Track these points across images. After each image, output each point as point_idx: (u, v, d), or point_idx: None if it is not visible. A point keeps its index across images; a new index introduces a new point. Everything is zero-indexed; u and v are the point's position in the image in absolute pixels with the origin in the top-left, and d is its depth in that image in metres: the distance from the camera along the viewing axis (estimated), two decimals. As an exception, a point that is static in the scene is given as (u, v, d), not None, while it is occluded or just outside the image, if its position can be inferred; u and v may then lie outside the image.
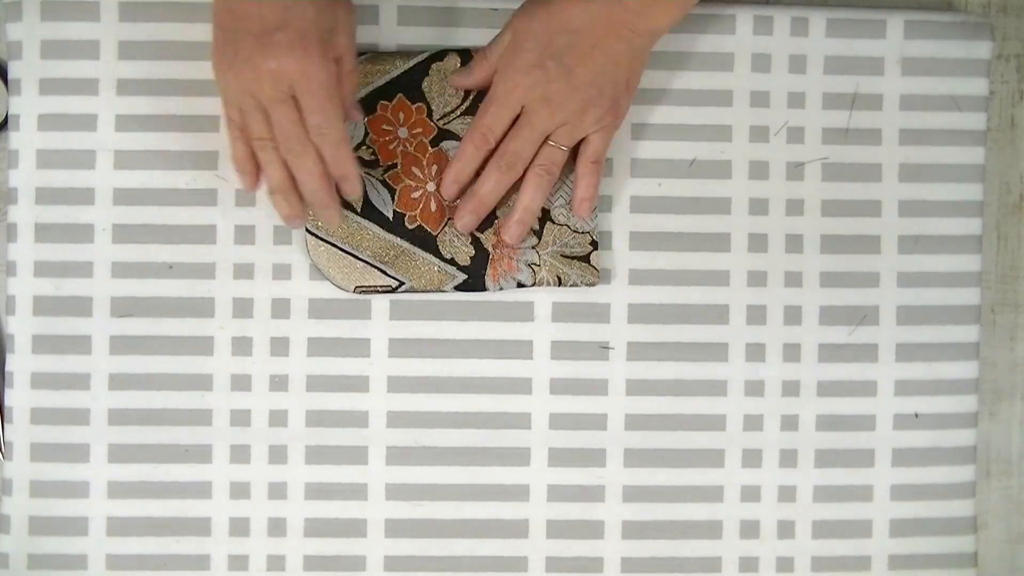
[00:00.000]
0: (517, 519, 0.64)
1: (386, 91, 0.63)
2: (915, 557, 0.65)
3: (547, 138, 0.60)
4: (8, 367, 0.63)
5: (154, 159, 0.63)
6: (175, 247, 0.63)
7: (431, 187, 0.63)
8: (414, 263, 0.63)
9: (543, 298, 0.64)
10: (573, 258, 0.63)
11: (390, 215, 0.63)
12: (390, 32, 0.64)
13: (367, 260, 0.63)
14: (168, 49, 0.63)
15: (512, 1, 0.63)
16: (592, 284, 0.63)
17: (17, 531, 0.63)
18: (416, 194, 0.63)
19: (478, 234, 0.63)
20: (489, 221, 0.63)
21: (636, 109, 0.64)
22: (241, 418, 0.64)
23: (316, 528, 0.64)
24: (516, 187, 0.62)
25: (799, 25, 0.65)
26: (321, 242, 0.63)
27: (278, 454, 0.64)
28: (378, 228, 0.63)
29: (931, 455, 0.65)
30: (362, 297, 0.64)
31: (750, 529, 0.65)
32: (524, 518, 0.64)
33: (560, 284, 0.63)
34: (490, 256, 0.63)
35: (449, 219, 0.63)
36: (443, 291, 0.63)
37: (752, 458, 0.65)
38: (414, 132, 0.63)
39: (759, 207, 0.65)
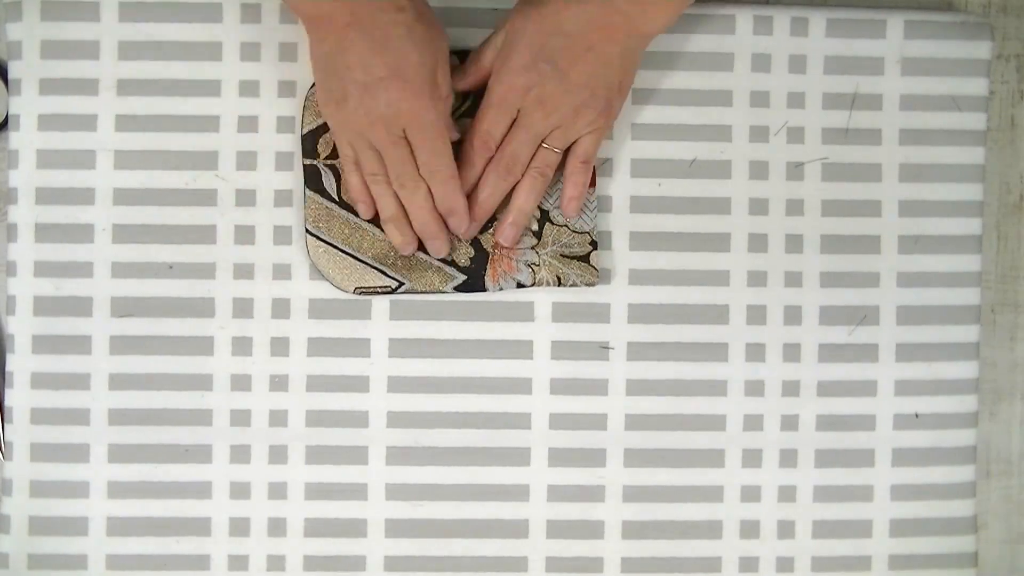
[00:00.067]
0: (517, 519, 0.64)
1: (386, 91, 0.63)
2: (915, 557, 0.65)
3: (542, 140, 0.60)
4: (8, 367, 0.63)
5: (154, 159, 0.63)
6: (175, 247, 0.63)
7: (431, 188, 0.63)
8: (414, 264, 0.63)
9: (543, 298, 0.64)
10: (572, 258, 0.63)
11: (390, 215, 0.63)
12: (390, 32, 0.63)
13: (367, 261, 0.63)
14: (168, 49, 0.63)
15: (512, 2, 0.63)
16: (592, 284, 0.63)
17: (17, 531, 0.63)
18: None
19: (477, 235, 0.63)
20: (488, 222, 0.63)
21: (636, 109, 0.64)
22: (241, 418, 0.64)
23: (316, 528, 0.64)
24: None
25: (799, 25, 0.65)
26: (321, 243, 0.63)
27: (278, 454, 0.64)
28: (378, 229, 0.63)
29: (931, 455, 0.65)
30: (362, 297, 0.64)
31: (750, 529, 0.65)
32: (524, 518, 0.64)
33: (560, 284, 0.63)
34: (490, 256, 0.63)
35: (449, 219, 0.63)
36: (443, 292, 0.63)
37: (752, 458, 0.65)
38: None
39: (759, 207, 0.65)
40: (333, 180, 0.63)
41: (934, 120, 0.65)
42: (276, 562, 0.64)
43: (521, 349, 0.64)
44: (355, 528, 0.64)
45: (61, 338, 0.63)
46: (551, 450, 0.64)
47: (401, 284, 0.63)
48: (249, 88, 0.63)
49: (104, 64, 0.63)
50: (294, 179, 0.64)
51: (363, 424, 0.64)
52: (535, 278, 0.63)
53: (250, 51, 0.63)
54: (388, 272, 0.63)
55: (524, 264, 0.63)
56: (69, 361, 0.63)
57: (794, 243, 0.65)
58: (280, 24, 0.63)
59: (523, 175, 0.61)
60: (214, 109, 0.63)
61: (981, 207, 0.66)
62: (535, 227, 0.63)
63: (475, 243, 0.63)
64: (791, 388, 0.65)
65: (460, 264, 0.63)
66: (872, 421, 0.65)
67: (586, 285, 0.63)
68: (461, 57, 0.63)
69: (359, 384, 0.64)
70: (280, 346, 0.64)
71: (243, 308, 0.64)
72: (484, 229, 0.63)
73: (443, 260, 0.63)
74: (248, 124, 0.63)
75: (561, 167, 0.62)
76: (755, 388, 0.65)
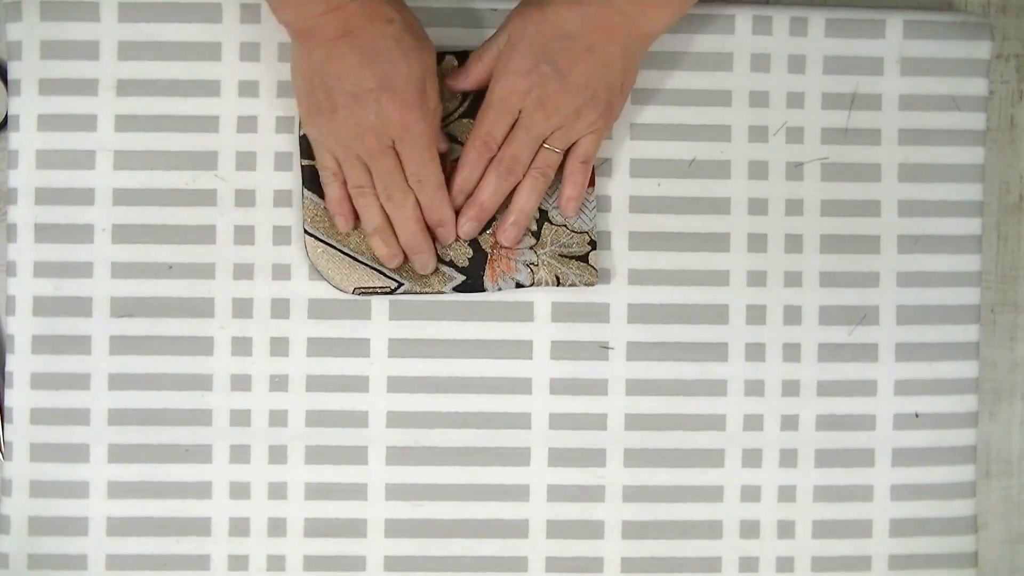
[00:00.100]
0: (517, 519, 0.64)
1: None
2: (915, 557, 0.65)
3: (543, 141, 0.60)
4: (8, 367, 0.63)
5: (154, 159, 0.63)
6: (175, 247, 0.63)
7: (430, 188, 0.63)
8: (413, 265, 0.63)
9: (543, 298, 0.64)
10: (571, 258, 0.63)
11: (389, 216, 0.63)
12: (390, 32, 0.63)
13: (366, 262, 0.63)
14: (168, 49, 0.63)
15: (512, 2, 0.63)
16: (590, 284, 0.63)
17: (17, 531, 0.63)
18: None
19: (476, 235, 0.63)
20: (488, 222, 0.63)
21: (636, 109, 0.64)
22: (241, 418, 0.64)
23: (316, 528, 0.64)
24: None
25: (798, 25, 0.65)
26: (320, 243, 0.63)
27: (278, 454, 0.64)
28: (377, 229, 0.63)
29: (931, 455, 0.65)
30: (361, 298, 0.64)
31: (750, 529, 0.65)
32: (524, 518, 0.64)
33: (559, 284, 0.63)
34: (488, 257, 0.63)
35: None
36: (442, 292, 0.63)
37: (752, 458, 0.65)
38: None
39: (758, 207, 0.65)
40: (333, 180, 0.63)
41: (934, 120, 0.65)
42: (276, 562, 0.64)
43: (521, 349, 0.64)
44: (355, 528, 0.64)
45: (61, 338, 0.63)
46: (551, 450, 0.64)
47: (400, 285, 0.63)
48: (248, 88, 0.63)
49: (104, 64, 0.63)
50: (293, 179, 0.64)
51: (363, 424, 0.64)
52: (534, 278, 0.63)
53: (249, 51, 0.63)
54: (387, 272, 0.63)
55: (523, 264, 0.63)
56: (69, 361, 0.63)
57: (794, 243, 0.65)
58: (279, 24, 0.63)
59: (524, 175, 0.61)
60: (214, 109, 0.63)
61: (981, 207, 0.66)
62: (534, 227, 0.63)
63: (473, 243, 0.63)
64: (791, 388, 0.65)
65: (459, 264, 0.63)
66: (872, 421, 0.65)
67: (585, 285, 0.63)
68: (460, 58, 0.63)
69: (359, 384, 0.64)
70: (280, 346, 0.64)
71: (243, 308, 0.64)
72: (483, 230, 0.63)
73: (442, 261, 0.63)
74: (247, 124, 0.63)
75: (560, 167, 0.62)
76: (755, 388, 0.65)
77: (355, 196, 0.61)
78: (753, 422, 0.65)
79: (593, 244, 0.63)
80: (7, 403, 0.63)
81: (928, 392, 0.65)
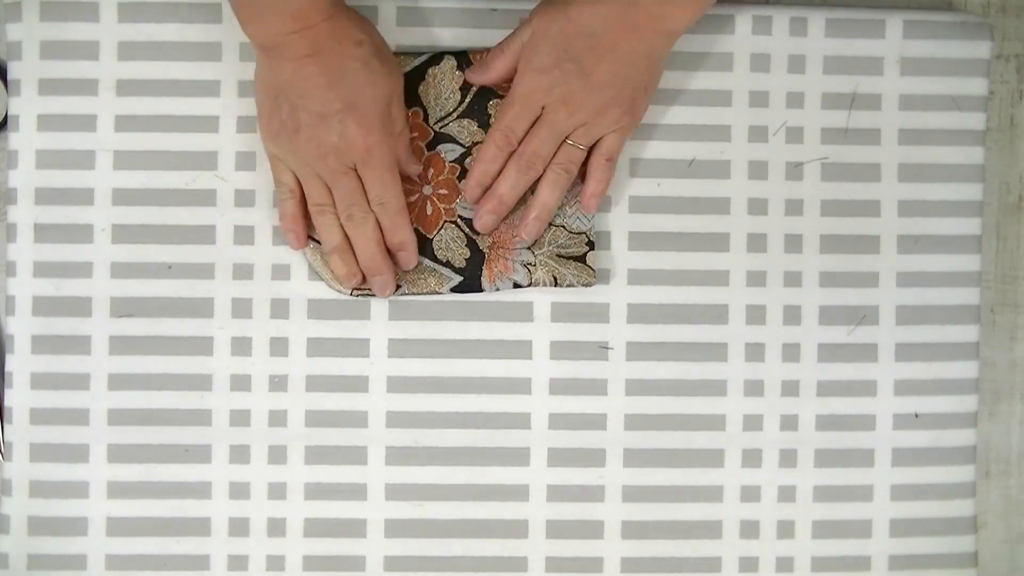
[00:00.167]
0: (517, 519, 0.64)
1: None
2: (915, 557, 0.65)
3: (566, 138, 0.61)
4: (8, 367, 0.63)
5: (154, 159, 0.63)
6: (175, 247, 0.63)
7: (427, 190, 0.63)
8: (411, 265, 0.63)
9: (542, 298, 0.64)
10: (569, 258, 0.63)
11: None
12: (389, 33, 0.63)
13: (366, 261, 0.63)
14: (168, 49, 0.63)
15: (512, 2, 0.64)
16: (588, 284, 0.63)
17: (17, 531, 0.63)
18: (412, 198, 0.63)
19: (473, 236, 0.63)
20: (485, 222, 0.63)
21: (635, 109, 0.64)
22: (241, 418, 0.64)
23: (316, 528, 0.64)
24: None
25: (798, 25, 0.65)
26: (318, 244, 0.63)
27: (278, 454, 0.64)
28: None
29: (931, 455, 0.65)
30: (361, 298, 0.64)
31: (750, 529, 0.65)
32: (524, 518, 0.64)
33: (556, 284, 0.63)
34: (486, 257, 0.63)
35: (446, 221, 0.63)
36: (439, 293, 0.63)
37: (752, 458, 0.65)
38: (410, 136, 0.63)
39: (758, 207, 0.65)
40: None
41: (934, 120, 0.65)
42: (276, 562, 0.64)
43: (520, 349, 0.64)
44: (355, 528, 0.64)
45: (61, 338, 0.63)
46: (551, 450, 0.64)
47: (398, 287, 0.63)
48: (248, 88, 0.63)
49: (104, 64, 0.63)
50: (293, 179, 0.64)
51: (363, 424, 0.64)
52: (531, 278, 0.63)
53: (249, 51, 0.63)
54: (387, 272, 0.63)
55: (520, 264, 0.63)
56: (69, 361, 0.63)
57: (793, 243, 0.65)
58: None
59: (546, 171, 0.61)
60: (214, 109, 0.63)
61: (981, 207, 0.65)
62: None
63: (471, 244, 0.63)
64: (791, 388, 0.65)
65: (456, 265, 0.63)
66: (872, 421, 0.65)
67: (583, 285, 0.63)
68: (460, 58, 0.63)
69: (358, 384, 0.64)
70: (279, 346, 0.64)
71: (242, 308, 0.64)
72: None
73: (439, 262, 0.63)
74: (248, 124, 0.63)
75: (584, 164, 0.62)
76: (755, 388, 0.65)
77: (315, 214, 0.61)
78: (753, 422, 0.65)
79: (591, 245, 0.63)
80: (7, 403, 0.63)
81: (928, 392, 0.65)
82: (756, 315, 0.65)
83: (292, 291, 0.64)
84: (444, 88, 0.63)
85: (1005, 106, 0.68)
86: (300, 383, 0.64)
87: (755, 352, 0.65)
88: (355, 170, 0.59)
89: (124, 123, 0.63)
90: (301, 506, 0.64)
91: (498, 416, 0.64)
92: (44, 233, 0.63)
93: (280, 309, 0.64)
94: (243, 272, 0.64)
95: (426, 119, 0.63)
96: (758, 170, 0.65)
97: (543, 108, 0.60)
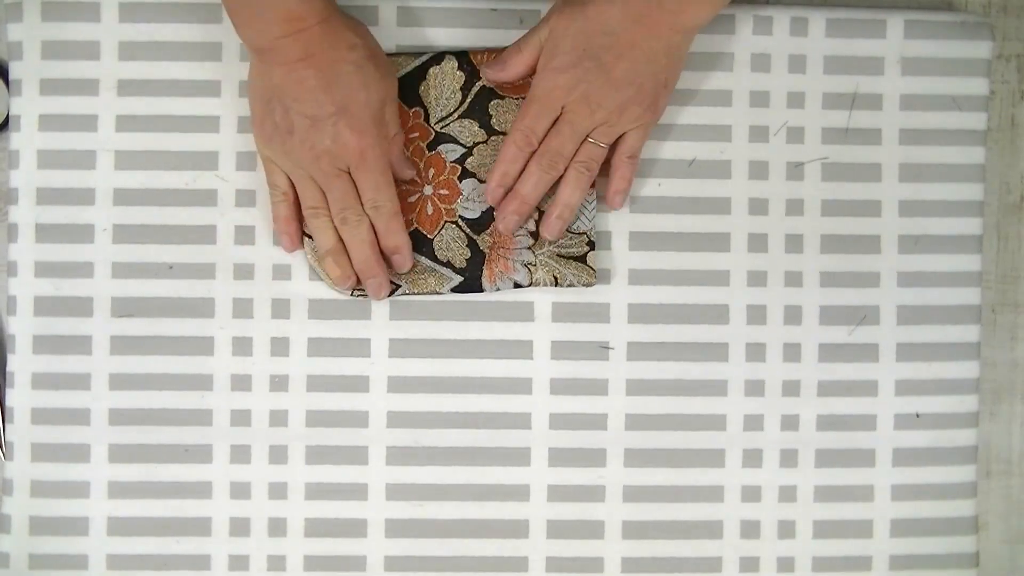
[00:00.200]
0: (517, 519, 0.64)
1: (384, 94, 0.63)
2: (916, 557, 0.65)
3: (587, 136, 0.61)
4: (9, 367, 0.63)
5: (154, 159, 0.63)
6: (175, 247, 0.63)
7: (428, 191, 0.63)
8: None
9: (543, 298, 0.64)
10: (570, 258, 0.63)
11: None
12: (389, 33, 0.64)
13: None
14: (168, 49, 0.63)
15: (512, 2, 0.64)
16: (589, 284, 0.63)
17: (18, 531, 0.63)
18: (412, 198, 0.63)
19: (474, 236, 0.63)
20: (485, 222, 0.63)
21: (636, 109, 0.64)
22: (241, 418, 0.64)
23: (316, 528, 0.64)
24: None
25: (799, 25, 0.65)
26: (320, 243, 0.63)
27: (278, 454, 0.64)
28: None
29: (932, 455, 0.65)
30: (361, 298, 0.64)
31: (750, 529, 0.65)
32: (524, 518, 0.64)
33: (557, 284, 0.63)
34: (486, 257, 0.63)
35: (446, 222, 0.63)
36: (440, 293, 0.63)
37: (752, 458, 0.65)
38: (411, 136, 0.63)
39: (759, 207, 0.65)
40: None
41: (934, 120, 0.65)
42: (276, 562, 0.64)
43: (521, 349, 0.64)
44: (355, 528, 0.64)
45: (61, 338, 0.63)
46: (551, 450, 0.64)
47: (398, 287, 0.63)
48: (249, 88, 0.63)
49: (104, 64, 0.63)
50: (294, 179, 0.64)
51: (363, 424, 0.64)
52: (532, 278, 0.63)
53: (250, 51, 0.63)
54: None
55: (521, 264, 0.63)
56: (69, 361, 0.63)
57: (794, 243, 0.65)
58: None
59: (568, 169, 0.61)
60: (214, 109, 0.63)
61: (981, 207, 0.65)
62: (532, 227, 0.63)
63: (471, 244, 0.63)
64: (791, 388, 0.65)
65: (456, 265, 0.63)
66: (872, 421, 0.65)
67: (583, 285, 0.63)
68: (460, 58, 0.63)
69: (359, 384, 0.64)
70: (280, 346, 0.64)
71: (243, 308, 0.64)
72: (480, 231, 0.63)
73: (439, 262, 0.63)
74: (247, 124, 0.63)
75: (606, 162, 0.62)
76: (755, 388, 0.65)
77: (309, 217, 0.61)
78: (753, 422, 0.65)
79: (591, 245, 0.63)
80: (8, 403, 0.63)
81: (929, 392, 0.65)
82: (757, 315, 0.65)
83: (293, 291, 0.64)
84: (445, 88, 0.63)
85: (1006, 106, 0.68)
86: (301, 383, 0.64)
87: (756, 352, 0.65)
88: (349, 173, 0.59)
89: (125, 123, 0.63)
90: (302, 506, 0.64)
91: (499, 416, 0.64)
92: (45, 233, 0.63)
93: (281, 309, 0.64)
94: (244, 272, 0.64)
95: (427, 119, 0.63)
96: (759, 170, 0.65)
97: (563, 107, 0.60)
